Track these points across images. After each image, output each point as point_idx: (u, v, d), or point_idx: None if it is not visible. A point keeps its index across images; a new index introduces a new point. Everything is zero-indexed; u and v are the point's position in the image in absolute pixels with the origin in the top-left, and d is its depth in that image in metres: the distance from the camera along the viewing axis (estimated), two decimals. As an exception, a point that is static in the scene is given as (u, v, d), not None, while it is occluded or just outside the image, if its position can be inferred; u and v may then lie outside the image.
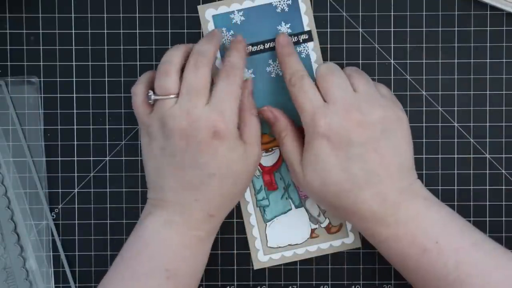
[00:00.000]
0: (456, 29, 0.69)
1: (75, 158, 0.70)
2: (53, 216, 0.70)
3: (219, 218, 0.64)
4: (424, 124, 0.69)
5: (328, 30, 0.69)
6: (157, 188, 0.63)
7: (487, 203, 0.69)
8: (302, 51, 0.68)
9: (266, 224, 0.70)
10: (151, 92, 0.62)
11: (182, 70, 0.62)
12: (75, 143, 0.69)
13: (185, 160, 0.60)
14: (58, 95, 0.69)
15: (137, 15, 0.69)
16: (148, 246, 0.61)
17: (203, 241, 0.63)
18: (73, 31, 0.69)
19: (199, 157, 0.60)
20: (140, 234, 0.62)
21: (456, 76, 0.69)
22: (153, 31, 0.69)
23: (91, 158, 0.70)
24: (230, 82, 0.62)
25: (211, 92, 0.62)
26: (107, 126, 0.69)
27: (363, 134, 0.60)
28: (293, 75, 0.63)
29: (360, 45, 0.69)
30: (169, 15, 0.69)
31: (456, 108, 0.69)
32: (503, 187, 0.69)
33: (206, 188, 0.61)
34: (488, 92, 0.69)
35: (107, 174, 0.70)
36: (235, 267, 0.70)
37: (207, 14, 0.68)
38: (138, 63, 0.69)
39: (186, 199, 0.61)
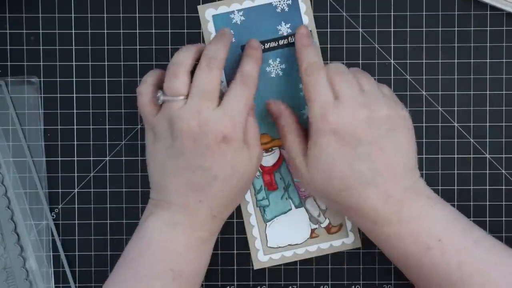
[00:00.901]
0: (456, 29, 0.69)
1: (75, 158, 0.70)
2: (53, 216, 0.70)
3: (222, 218, 0.64)
4: (424, 124, 0.69)
5: (328, 30, 0.69)
6: (160, 189, 0.63)
7: (487, 203, 0.69)
8: (302, 51, 0.68)
9: (266, 224, 0.70)
10: (160, 93, 0.62)
11: (192, 71, 0.62)
12: (75, 143, 0.69)
13: (191, 161, 0.60)
14: (58, 95, 0.69)
15: (137, 15, 0.69)
16: (150, 247, 0.61)
17: (206, 242, 0.63)
18: (73, 31, 0.69)
19: (206, 159, 0.60)
20: (142, 235, 0.62)
21: (456, 76, 0.69)
22: (153, 31, 0.69)
23: (91, 158, 0.70)
24: (244, 89, 0.62)
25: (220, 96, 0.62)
26: (107, 126, 0.69)
27: (370, 133, 0.60)
28: (310, 65, 0.63)
29: (360, 45, 0.69)
30: (169, 15, 0.69)
31: (456, 108, 0.69)
32: (503, 187, 0.69)
33: (211, 189, 0.61)
34: (488, 92, 0.69)
35: (107, 174, 0.70)
36: (235, 267, 0.70)
37: (207, 14, 0.69)
38: (138, 63, 0.69)
39: (190, 200, 0.61)
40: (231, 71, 0.68)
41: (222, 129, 0.60)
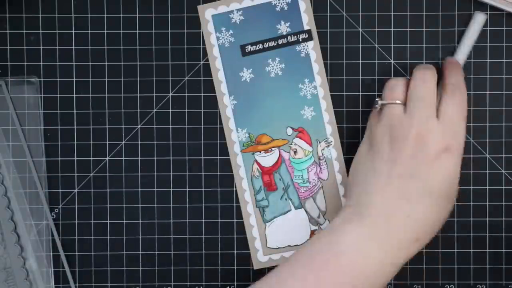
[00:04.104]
0: (456, 29, 0.69)
1: (75, 158, 0.70)
2: (53, 216, 0.70)
3: (422, 244, 0.60)
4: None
5: (328, 30, 0.69)
6: (364, 197, 0.60)
7: (487, 203, 0.69)
8: (302, 50, 0.68)
9: (265, 225, 0.70)
10: (378, 98, 0.63)
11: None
12: (75, 143, 0.70)
13: (408, 169, 0.59)
14: (58, 95, 0.69)
15: (137, 15, 0.69)
16: (340, 257, 0.58)
17: (395, 270, 0.60)
18: (73, 31, 0.69)
19: (422, 170, 0.59)
20: (335, 239, 0.59)
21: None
22: (153, 31, 0.69)
23: (91, 158, 0.70)
24: (458, 101, 0.61)
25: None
26: (107, 126, 0.69)
27: None
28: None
29: (360, 45, 0.69)
30: (169, 15, 0.69)
31: (456, 108, 0.69)
32: (503, 187, 0.69)
33: (422, 204, 0.59)
34: (488, 92, 0.69)
35: (107, 174, 0.70)
36: (235, 267, 0.70)
37: (207, 14, 0.69)
38: (138, 63, 0.69)
39: (396, 212, 0.59)
40: (231, 72, 0.68)
41: (445, 141, 0.60)
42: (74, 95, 0.69)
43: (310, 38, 0.68)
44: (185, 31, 0.69)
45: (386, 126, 0.61)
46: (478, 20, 0.67)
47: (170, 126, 0.69)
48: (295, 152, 0.69)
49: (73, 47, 0.69)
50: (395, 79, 0.63)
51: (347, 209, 0.61)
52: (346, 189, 0.63)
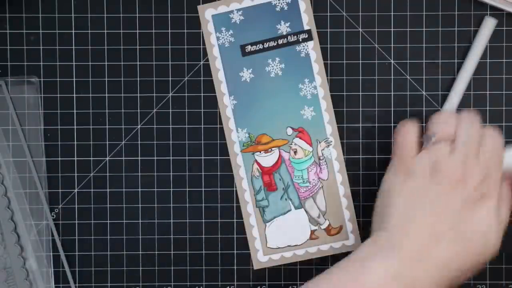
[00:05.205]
0: (456, 29, 0.69)
1: (75, 158, 0.70)
2: (53, 216, 0.70)
3: None
4: (424, 124, 0.69)
5: (328, 30, 0.69)
6: (399, 229, 0.59)
7: (487, 203, 0.69)
8: (302, 50, 0.68)
9: (265, 225, 0.70)
10: (429, 132, 0.62)
11: None
12: (75, 143, 0.70)
13: (448, 208, 0.59)
14: (58, 95, 0.69)
15: (137, 15, 0.69)
16: None
17: None
18: (73, 31, 0.69)
19: (467, 211, 0.59)
20: (361, 271, 0.58)
21: (456, 76, 0.69)
22: (153, 31, 0.69)
23: (91, 158, 0.70)
24: (494, 148, 0.61)
25: None
26: (107, 126, 0.69)
27: None
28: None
29: (360, 45, 0.69)
30: (169, 15, 0.69)
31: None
32: (503, 187, 0.69)
33: (456, 246, 0.59)
34: (488, 92, 0.69)
35: (107, 174, 0.70)
36: (235, 267, 0.70)
37: (207, 14, 0.69)
38: (138, 63, 0.69)
39: (430, 252, 0.58)
40: (231, 72, 0.68)
41: (487, 184, 0.60)
42: (74, 95, 0.69)
43: (310, 38, 0.68)
44: (185, 31, 0.69)
45: (430, 162, 0.60)
46: (489, 25, 0.67)
47: (170, 126, 0.69)
48: (295, 152, 0.69)
49: (73, 47, 0.69)
50: (448, 114, 0.63)
51: (375, 240, 0.60)
52: (375, 219, 0.62)
